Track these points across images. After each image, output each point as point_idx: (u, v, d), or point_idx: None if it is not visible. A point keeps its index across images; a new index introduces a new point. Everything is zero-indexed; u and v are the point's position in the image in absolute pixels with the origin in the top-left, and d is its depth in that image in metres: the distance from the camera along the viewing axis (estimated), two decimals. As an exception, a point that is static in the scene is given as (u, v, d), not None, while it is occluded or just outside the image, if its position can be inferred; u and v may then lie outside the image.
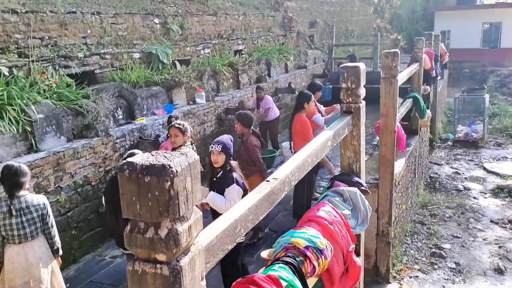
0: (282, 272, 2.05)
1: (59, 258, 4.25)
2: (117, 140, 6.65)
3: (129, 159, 1.14)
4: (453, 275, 5.54)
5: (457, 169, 9.56)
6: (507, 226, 6.85)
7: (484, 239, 6.42)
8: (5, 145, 5.32)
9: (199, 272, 1.29)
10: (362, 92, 3.14)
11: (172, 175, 1.11)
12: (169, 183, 1.11)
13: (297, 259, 2.23)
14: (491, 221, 7.03)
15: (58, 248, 4.12)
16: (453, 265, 5.71)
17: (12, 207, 3.76)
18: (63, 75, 6.93)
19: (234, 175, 4.22)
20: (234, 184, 4.13)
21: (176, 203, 1.14)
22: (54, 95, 6.24)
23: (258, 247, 5.75)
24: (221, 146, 4.23)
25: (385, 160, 4.87)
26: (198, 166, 1.23)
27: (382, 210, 5.01)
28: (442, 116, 13.37)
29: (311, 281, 2.94)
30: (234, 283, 1.96)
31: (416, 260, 5.81)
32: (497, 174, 9.24)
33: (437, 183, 8.63)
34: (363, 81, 3.12)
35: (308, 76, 14.57)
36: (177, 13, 10.49)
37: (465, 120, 12.60)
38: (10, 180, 3.82)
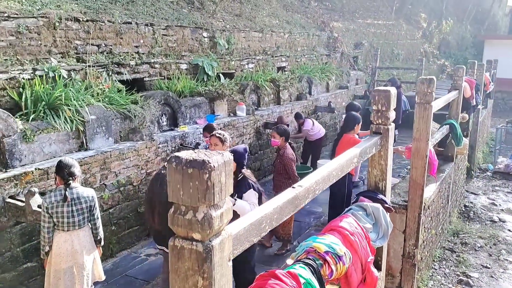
0: (301, 271, 2.26)
1: (100, 248, 4.60)
2: (160, 145, 7.02)
3: (175, 154, 1.40)
4: (479, 304, 5.54)
5: (494, 200, 9.43)
6: (540, 261, 6.74)
7: (514, 272, 6.35)
8: (59, 141, 5.77)
9: (227, 253, 1.54)
10: (392, 115, 3.33)
11: (210, 169, 1.36)
12: (207, 175, 1.36)
13: (316, 262, 2.44)
14: (524, 254, 6.94)
15: (101, 239, 4.49)
16: (480, 294, 5.71)
17: (67, 195, 4.15)
18: (115, 80, 7.41)
19: (249, 181, 4.53)
20: (251, 189, 4.47)
21: (212, 192, 1.39)
22: (106, 99, 6.69)
23: (286, 258, 5.95)
24: (232, 155, 4.59)
25: (415, 183, 4.98)
26: (232, 164, 1.48)
27: (410, 232, 5.10)
28: (483, 145, 13.16)
29: (331, 289, 3.13)
30: (257, 276, 2.19)
31: (442, 285, 5.83)
32: (535, 208, 9.06)
33: (472, 212, 8.55)
34: (393, 105, 3.31)
35: (349, 96, 14.70)
36: (225, 28, 10.92)
37: (507, 152, 12.35)
38: (66, 171, 4.23)
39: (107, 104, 6.60)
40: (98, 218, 4.40)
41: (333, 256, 2.47)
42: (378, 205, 3.12)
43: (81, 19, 7.25)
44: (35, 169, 5.22)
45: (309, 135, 9.41)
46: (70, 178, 4.19)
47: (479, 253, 6.82)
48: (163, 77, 8.67)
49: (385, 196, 3.43)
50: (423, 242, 5.52)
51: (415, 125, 4.88)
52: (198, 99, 8.61)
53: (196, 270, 1.43)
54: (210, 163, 1.37)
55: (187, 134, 7.65)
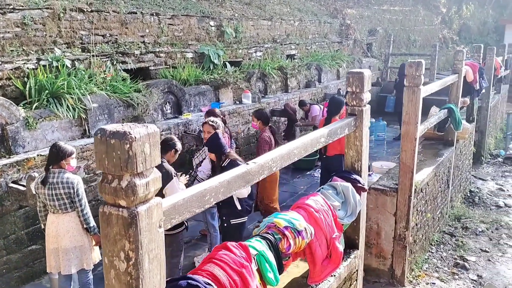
0: (256, 243, 2.38)
1: (97, 236, 4.50)
2: (163, 133, 7.18)
3: (101, 127, 1.52)
4: (473, 287, 5.55)
5: (502, 185, 9.32)
6: (542, 245, 6.68)
7: (513, 256, 6.32)
8: (62, 129, 5.98)
9: (157, 220, 1.65)
10: (366, 96, 3.38)
11: (131, 140, 1.48)
12: (128, 145, 1.48)
13: (275, 236, 2.54)
14: (526, 239, 6.88)
15: (91, 227, 4.43)
16: (475, 277, 5.71)
17: (46, 179, 4.30)
18: (120, 70, 7.59)
19: (237, 161, 4.62)
20: None
21: (134, 162, 1.50)
22: (109, 88, 6.87)
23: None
24: (206, 148, 5.04)
25: (405, 166, 5.02)
26: (158, 136, 1.60)
27: (400, 214, 5.14)
28: (496, 131, 12.95)
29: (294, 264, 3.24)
30: (213, 248, 2.31)
31: (437, 268, 5.86)
32: (544, 194, 8.92)
33: (477, 197, 8.49)
34: (367, 86, 3.36)
35: (361, 83, 14.61)
36: (233, 17, 10.99)
37: (520, 137, 12.15)
38: (49, 155, 4.40)
39: (110, 92, 6.78)
40: (81, 206, 4.36)
41: (292, 231, 2.57)
42: (348, 184, 3.20)
43: (85, 10, 7.44)
44: (37, 155, 5.44)
45: (311, 122, 9.44)
46: (50, 162, 4.33)
47: (480, 238, 6.80)
48: (168, 66, 8.83)
49: (360, 176, 3.50)
50: (416, 225, 5.55)
51: (404, 108, 4.91)
52: (203, 87, 8.74)
53: (123, 235, 1.56)
54: (131, 134, 1.48)
55: (190, 121, 7.79)
